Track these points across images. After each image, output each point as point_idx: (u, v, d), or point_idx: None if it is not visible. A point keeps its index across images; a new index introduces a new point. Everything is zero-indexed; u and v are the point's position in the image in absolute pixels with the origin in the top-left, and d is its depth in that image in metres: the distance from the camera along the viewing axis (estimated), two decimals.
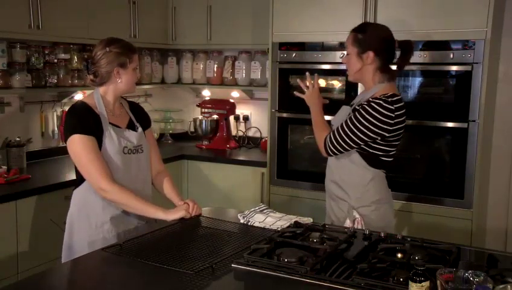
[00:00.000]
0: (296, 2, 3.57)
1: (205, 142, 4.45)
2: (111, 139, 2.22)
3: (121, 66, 2.25)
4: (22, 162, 3.31)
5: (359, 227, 2.35)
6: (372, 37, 2.44)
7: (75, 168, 2.26)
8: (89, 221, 2.23)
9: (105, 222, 2.24)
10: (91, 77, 2.28)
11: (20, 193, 2.86)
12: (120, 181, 2.21)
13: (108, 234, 2.23)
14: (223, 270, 1.73)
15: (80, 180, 2.25)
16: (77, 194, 2.27)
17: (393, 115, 2.30)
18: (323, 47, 3.56)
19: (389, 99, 2.31)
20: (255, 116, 4.57)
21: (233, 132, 4.58)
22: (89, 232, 2.22)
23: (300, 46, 3.62)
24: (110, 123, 2.25)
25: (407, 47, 2.50)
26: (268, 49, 3.71)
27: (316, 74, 2.62)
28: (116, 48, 2.25)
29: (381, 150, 2.39)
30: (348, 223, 2.41)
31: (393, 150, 2.42)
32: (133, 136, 2.32)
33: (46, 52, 3.53)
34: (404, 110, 2.37)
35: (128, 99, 2.52)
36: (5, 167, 3.17)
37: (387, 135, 2.33)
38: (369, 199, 2.44)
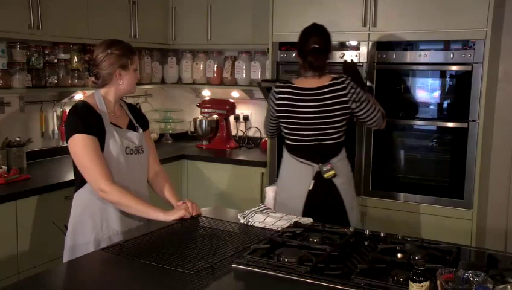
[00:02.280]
0: (296, 2, 3.57)
1: (205, 142, 4.45)
2: (114, 139, 2.22)
3: (122, 68, 2.26)
4: (22, 162, 3.31)
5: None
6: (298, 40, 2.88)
7: (74, 169, 2.25)
8: (94, 222, 2.23)
9: (110, 222, 2.24)
10: (93, 79, 2.28)
11: (20, 193, 2.86)
12: (121, 181, 2.21)
13: (114, 234, 2.23)
14: (223, 270, 1.74)
15: (80, 182, 2.24)
16: (79, 196, 2.26)
17: (276, 96, 2.80)
18: None
19: (277, 84, 2.86)
20: (255, 116, 4.57)
21: (233, 132, 4.58)
22: (93, 233, 2.22)
23: None
24: (111, 123, 2.25)
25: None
26: (268, 49, 3.71)
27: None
28: (117, 49, 2.25)
29: (284, 132, 2.83)
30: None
31: (290, 134, 2.78)
32: (134, 137, 2.32)
33: (46, 52, 3.53)
34: (286, 96, 2.76)
35: (127, 99, 2.52)
36: (5, 167, 3.17)
37: (275, 114, 2.81)
38: (278, 178, 2.91)
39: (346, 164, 2.82)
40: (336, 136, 2.75)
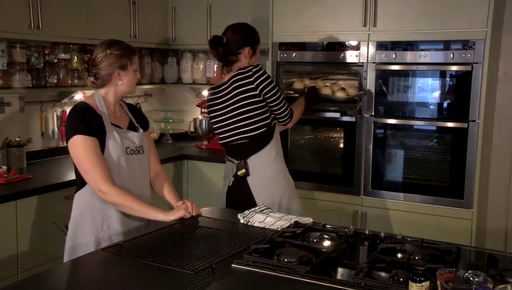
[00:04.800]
0: (296, 1, 3.57)
1: (205, 142, 4.45)
2: (114, 140, 2.22)
3: (121, 68, 2.26)
4: (22, 162, 3.31)
5: None
6: None
7: (75, 170, 2.25)
8: (94, 223, 2.23)
9: (111, 223, 2.24)
10: (92, 79, 2.28)
11: (20, 193, 2.86)
12: (122, 182, 2.21)
13: (114, 234, 2.23)
14: (223, 271, 1.74)
15: (81, 183, 2.24)
16: (80, 197, 2.26)
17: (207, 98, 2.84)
18: (323, 47, 3.56)
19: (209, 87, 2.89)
20: None
21: None
22: (94, 234, 2.22)
23: (300, 46, 3.62)
24: (111, 124, 2.25)
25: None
26: (268, 49, 3.71)
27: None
28: (117, 50, 2.25)
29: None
30: None
31: (217, 133, 2.81)
32: (135, 137, 2.32)
33: (46, 52, 3.52)
34: (208, 97, 2.80)
35: (127, 99, 2.52)
36: (5, 167, 3.17)
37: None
38: None
39: (267, 163, 2.71)
40: (253, 133, 2.67)
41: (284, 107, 2.76)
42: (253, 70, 2.64)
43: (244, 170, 2.67)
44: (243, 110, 2.65)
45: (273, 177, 2.73)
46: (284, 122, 2.83)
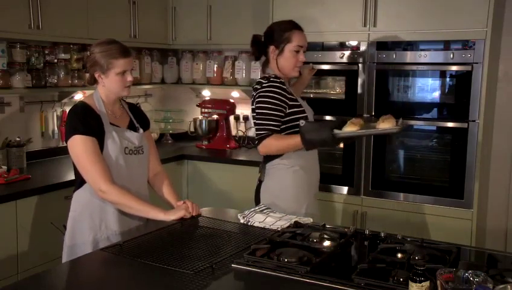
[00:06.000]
0: (296, 1, 3.57)
1: (205, 142, 4.45)
2: (113, 140, 2.22)
3: (101, 71, 2.24)
4: (22, 162, 3.31)
5: None
6: None
7: (75, 169, 2.26)
8: (92, 222, 2.23)
9: (109, 222, 2.24)
10: (87, 75, 2.32)
11: (20, 193, 2.86)
12: (121, 181, 2.21)
13: (112, 234, 2.23)
14: (223, 270, 1.73)
15: (80, 182, 2.24)
16: (78, 196, 2.26)
17: None
18: (323, 47, 3.56)
19: None
20: None
21: (233, 132, 4.58)
22: (92, 233, 2.22)
23: None
24: (110, 123, 2.25)
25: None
26: None
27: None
28: (98, 52, 2.22)
29: None
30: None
31: None
32: (134, 137, 2.32)
33: (46, 52, 3.53)
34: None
35: (128, 99, 2.52)
36: (5, 167, 3.17)
37: None
38: None
39: (280, 173, 2.59)
40: None
41: (256, 128, 2.51)
42: (261, 83, 2.53)
43: (260, 174, 2.67)
44: (254, 121, 2.59)
45: (283, 189, 2.60)
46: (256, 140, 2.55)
